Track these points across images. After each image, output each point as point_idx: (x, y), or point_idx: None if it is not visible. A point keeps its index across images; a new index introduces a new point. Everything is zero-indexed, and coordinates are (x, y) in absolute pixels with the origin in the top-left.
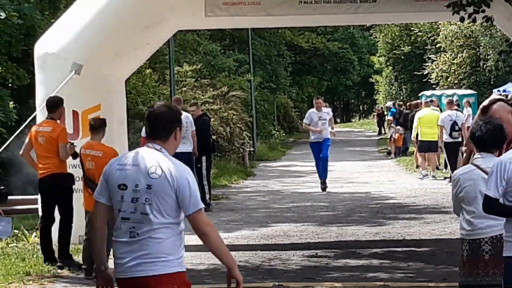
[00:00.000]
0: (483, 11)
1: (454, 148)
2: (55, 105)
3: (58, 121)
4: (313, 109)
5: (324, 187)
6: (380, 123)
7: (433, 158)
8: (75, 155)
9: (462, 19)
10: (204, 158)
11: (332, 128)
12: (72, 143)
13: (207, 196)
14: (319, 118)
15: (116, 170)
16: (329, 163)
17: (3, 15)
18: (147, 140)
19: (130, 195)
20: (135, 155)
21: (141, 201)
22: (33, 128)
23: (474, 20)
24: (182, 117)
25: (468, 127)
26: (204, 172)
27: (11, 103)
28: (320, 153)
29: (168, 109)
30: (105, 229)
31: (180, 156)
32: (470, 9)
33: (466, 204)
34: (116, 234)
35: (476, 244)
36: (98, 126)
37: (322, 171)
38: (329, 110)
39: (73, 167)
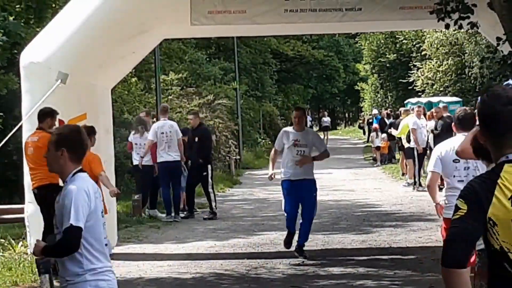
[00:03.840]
0: (468, 17)
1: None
2: (44, 115)
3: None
4: (290, 127)
5: (302, 255)
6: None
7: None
8: None
9: (447, 26)
10: (209, 166)
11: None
12: None
13: (213, 204)
14: (295, 142)
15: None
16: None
17: None
18: None
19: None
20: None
21: None
22: (25, 140)
23: (460, 27)
24: (166, 125)
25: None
26: (210, 180)
27: None
28: (298, 202)
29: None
30: None
31: (166, 166)
32: (455, 16)
33: None
34: None
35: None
36: (89, 133)
37: (302, 233)
38: (327, 119)
39: None
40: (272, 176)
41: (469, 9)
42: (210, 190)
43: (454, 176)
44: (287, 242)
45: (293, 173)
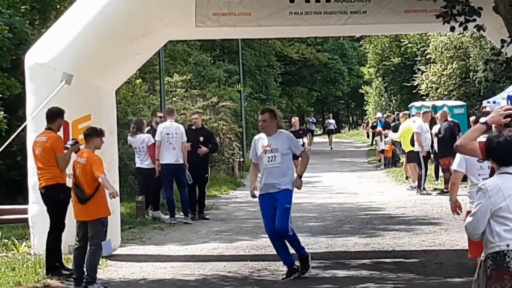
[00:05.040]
0: (474, 20)
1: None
2: (53, 115)
3: (59, 133)
4: (262, 133)
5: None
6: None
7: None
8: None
9: (452, 29)
10: (209, 167)
11: (307, 146)
12: (75, 139)
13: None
14: (265, 148)
15: None
16: (318, 174)
17: None
18: None
19: None
20: None
21: None
22: (34, 139)
23: (465, 29)
24: (172, 127)
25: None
26: (208, 182)
27: (1, 112)
28: (273, 216)
29: None
30: None
31: (170, 167)
32: (461, 19)
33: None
34: None
35: (500, 257)
36: (87, 135)
37: (282, 253)
38: (332, 122)
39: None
40: (254, 193)
41: (475, 12)
42: (206, 191)
43: (479, 175)
44: (288, 276)
45: (266, 185)
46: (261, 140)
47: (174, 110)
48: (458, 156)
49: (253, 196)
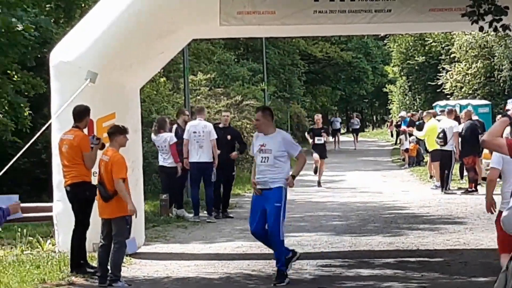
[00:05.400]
0: (501, 19)
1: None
2: (80, 114)
3: (85, 130)
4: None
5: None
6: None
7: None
8: (103, 147)
9: (481, 29)
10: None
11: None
12: (99, 138)
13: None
14: (260, 147)
15: None
16: (342, 173)
17: (20, 27)
18: None
19: None
20: None
21: None
22: (60, 137)
23: (495, 29)
24: (200, 125)
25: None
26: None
27: (26, 109)
28: (263, 215)
29: None
30: None
31: (197, 166)
32: (488, 18)
33: None
34: None
35: None
36: (110, 133)
37: (275, 254)
38: (357, 121)
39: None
40: (256, 188)
41: (502, 11)
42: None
43: None
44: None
45: (259, 184)
46: (259, 138)
47: (203, 108)
48: (494, 153)
49: (255, 188)
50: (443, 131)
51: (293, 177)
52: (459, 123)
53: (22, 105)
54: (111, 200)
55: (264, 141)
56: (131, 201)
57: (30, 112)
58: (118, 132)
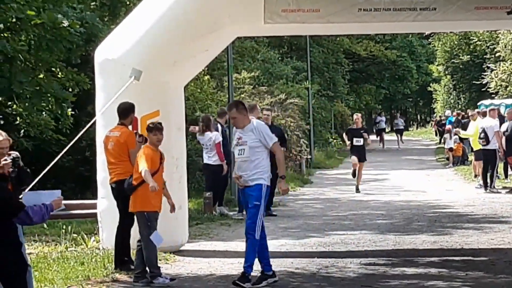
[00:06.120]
0: None
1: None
2: (126, 111)
3: (130, 127)
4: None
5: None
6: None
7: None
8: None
9: None
10: None
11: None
12: (141, 136)
13: None
14: (238, 141)
15: None
16: (386, 172)
17: (66, 23)
18: None
19: None
20: None
21: None
22: (105, 134)
23: None
24: None
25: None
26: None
27: (69, 109)
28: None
29: None
30: None
31: None
32: None
33: None
34: None
35: None
36: (148, 130)
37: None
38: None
39: None
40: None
41: None
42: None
43: None
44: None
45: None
46: (237, 133)
47: (256, 106)
48: None
49: (238, 182)
50: (484, 131)
51: (283, 178)
52: (503, 122)
53: (67, 99)
54: (133, 193)
55: (241, 134)
56: (152, 180)
57: (74, 111)
58: (147, 130)
